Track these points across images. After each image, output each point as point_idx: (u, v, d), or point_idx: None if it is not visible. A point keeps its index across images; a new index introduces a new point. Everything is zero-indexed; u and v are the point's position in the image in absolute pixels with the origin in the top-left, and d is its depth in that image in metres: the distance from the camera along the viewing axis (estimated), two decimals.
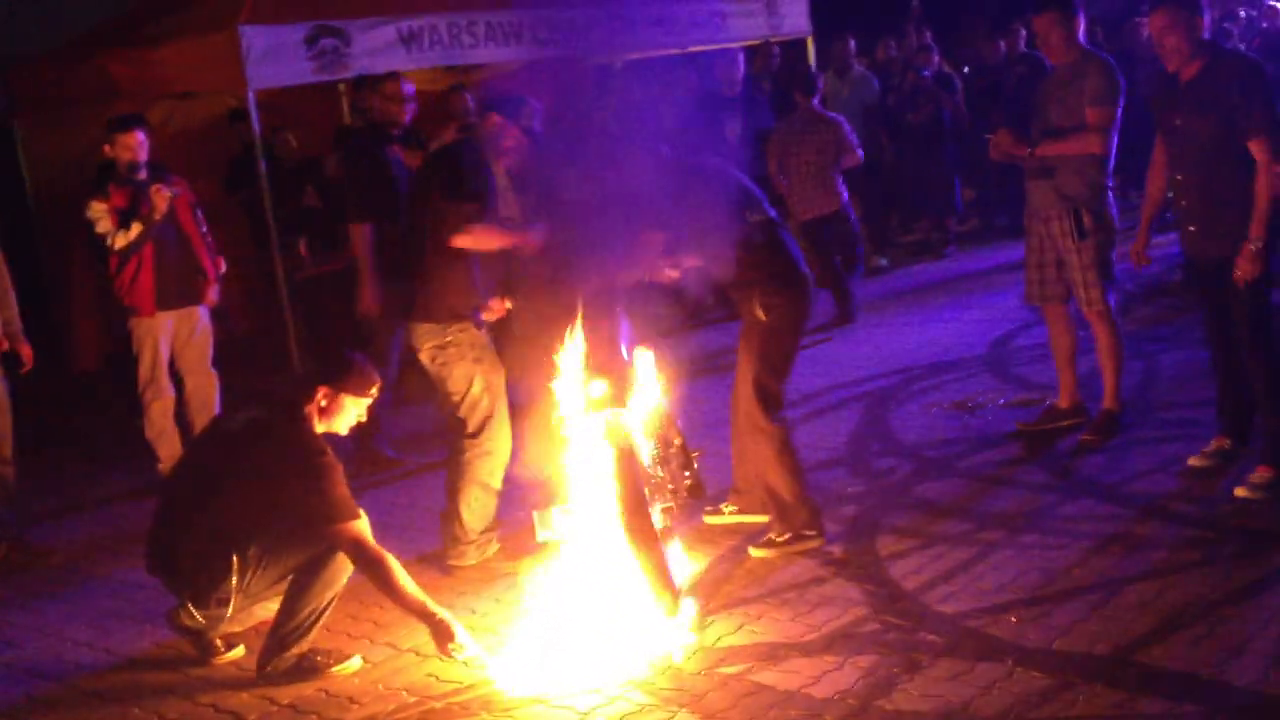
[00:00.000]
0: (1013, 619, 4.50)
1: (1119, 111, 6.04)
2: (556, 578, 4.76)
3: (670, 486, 5.00)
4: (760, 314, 5.25)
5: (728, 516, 5.68)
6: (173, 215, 7.20)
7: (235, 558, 4.58)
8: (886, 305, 9.85)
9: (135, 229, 7.05)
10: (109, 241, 7.09)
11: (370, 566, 4.52)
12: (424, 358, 5.42)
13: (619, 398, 4.82)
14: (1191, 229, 5.48)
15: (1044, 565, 4.92)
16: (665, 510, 4.97)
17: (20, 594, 5.92)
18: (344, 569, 4.65)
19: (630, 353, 5.02)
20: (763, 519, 5.48)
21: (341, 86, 10.33)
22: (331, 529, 4.51)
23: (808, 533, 5.32)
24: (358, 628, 5.04)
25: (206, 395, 7.43)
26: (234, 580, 4.60)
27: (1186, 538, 5.05)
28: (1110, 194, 6.17)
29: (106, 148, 7.19)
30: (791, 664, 4.37)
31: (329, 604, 4.69)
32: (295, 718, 4.43)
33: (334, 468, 4.58)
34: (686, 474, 5.10)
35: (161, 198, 7.07)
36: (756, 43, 11.74)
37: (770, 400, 5.30)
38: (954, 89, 12.28)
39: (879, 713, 4.01)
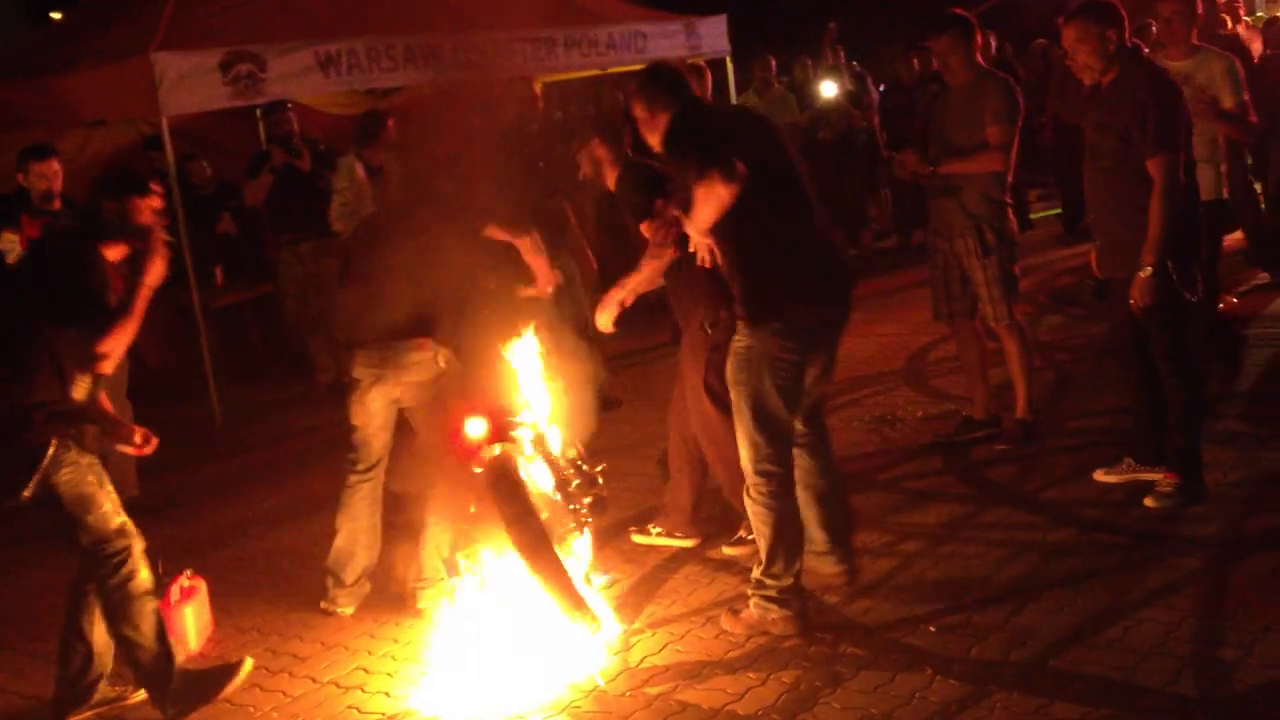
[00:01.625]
0: (931, 629, 4.56)
1: (1017, 129, 6.15)
2: (476, 605, 4.74)
3: (572, 507, 5.00)
4: (706, 331, 5.35)
5: (654, 538, 5.70)
6: None
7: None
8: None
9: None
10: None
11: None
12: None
13: (500, 433, 4.81)
14: (1099, 244, 5.58)
15: (962, 574, 4.99)
16: (567, 533, 4.96)
17: None
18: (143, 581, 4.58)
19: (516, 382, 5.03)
20: (688, 543, 5.60)
21: (258, 112, 10.26)
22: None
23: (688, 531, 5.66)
24: (277, 662, 5.00)
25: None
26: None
27: (1099, 544, 5.14)
28: (1010, 210, 6.26)
29: (20, 176, 7.08)
30: (715, 681, 4.40)
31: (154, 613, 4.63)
32: None
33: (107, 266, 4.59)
34: (589, 494, 5.08)
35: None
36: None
37: (724, 403, 5.10)
38: (867, 107, 12.45)
39: None
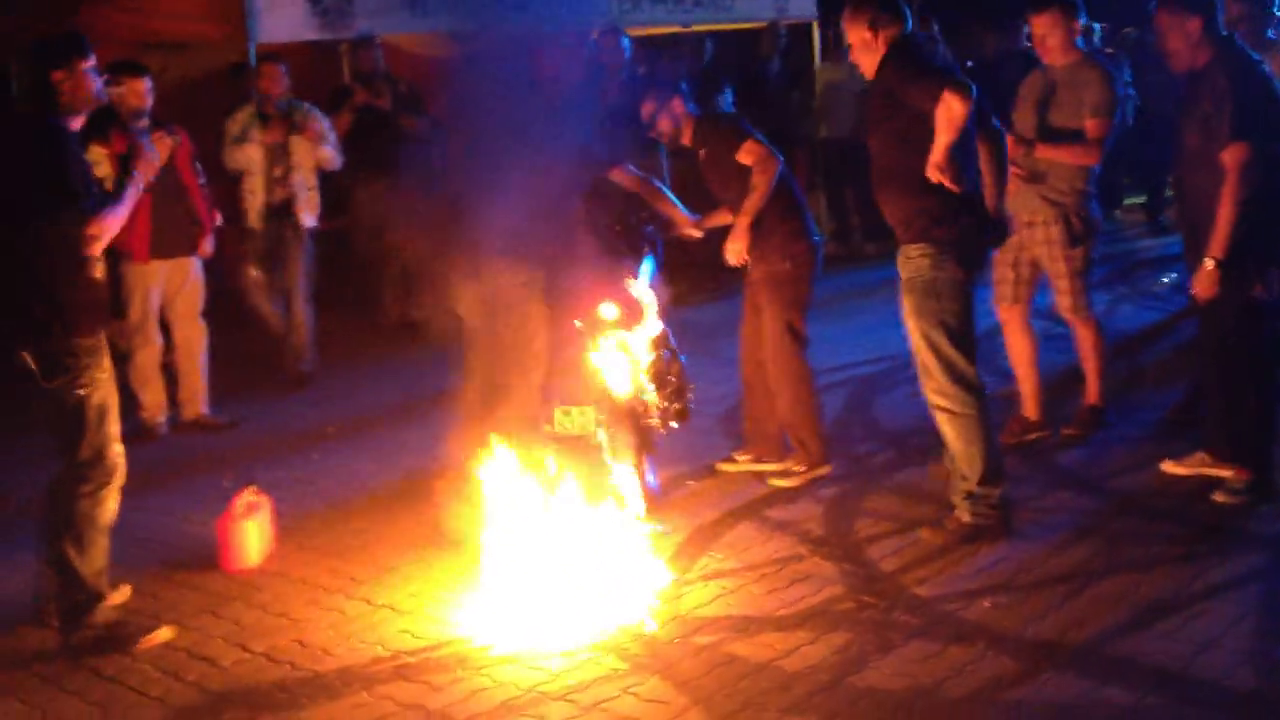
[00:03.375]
0: (986, 604, 4.53)
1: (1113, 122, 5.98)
2: (534, 540, 4.76)
3: (661, 405, 5.46)
4: (787, 264, 5.78)
5: (742, 465, 6.05)
6: (172, 165, 7.19)
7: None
8: (877, 291, 9.82)
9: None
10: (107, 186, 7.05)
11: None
12: None
13: (627, 321, 5.35)
14: (1185, 236, 5.48)
15: (1020, 554, 4.94)
16: (650, 427, 5.42)
17: None
18: (103, 505, 4.60)
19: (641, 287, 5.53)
20: (773, 467, 5.96)
21: (342, 47, 10.27)
22: (60, 211, 4.49)
23: (823, 466, 5.88)
24: (334, 582, 5.06)
25: (195, 346, 7.42)
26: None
27: (1163, 534, 5.08)
28: (1094, 200, 6.10)
29: (112, 91, 7.14)
30: (764, 637, 4.40)
31: (101, 551, 4.65)
32: (269, 666, 4.44)
33: (71, 149, 4.66)
34: (678, 401, 5.53)
35: (164, 145, 7.04)
36: (762, 25, 11.70)
37: (800, 341, 5.86)
38: None
39: (850, 689, 4.03)
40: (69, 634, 4.59)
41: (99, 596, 4.63)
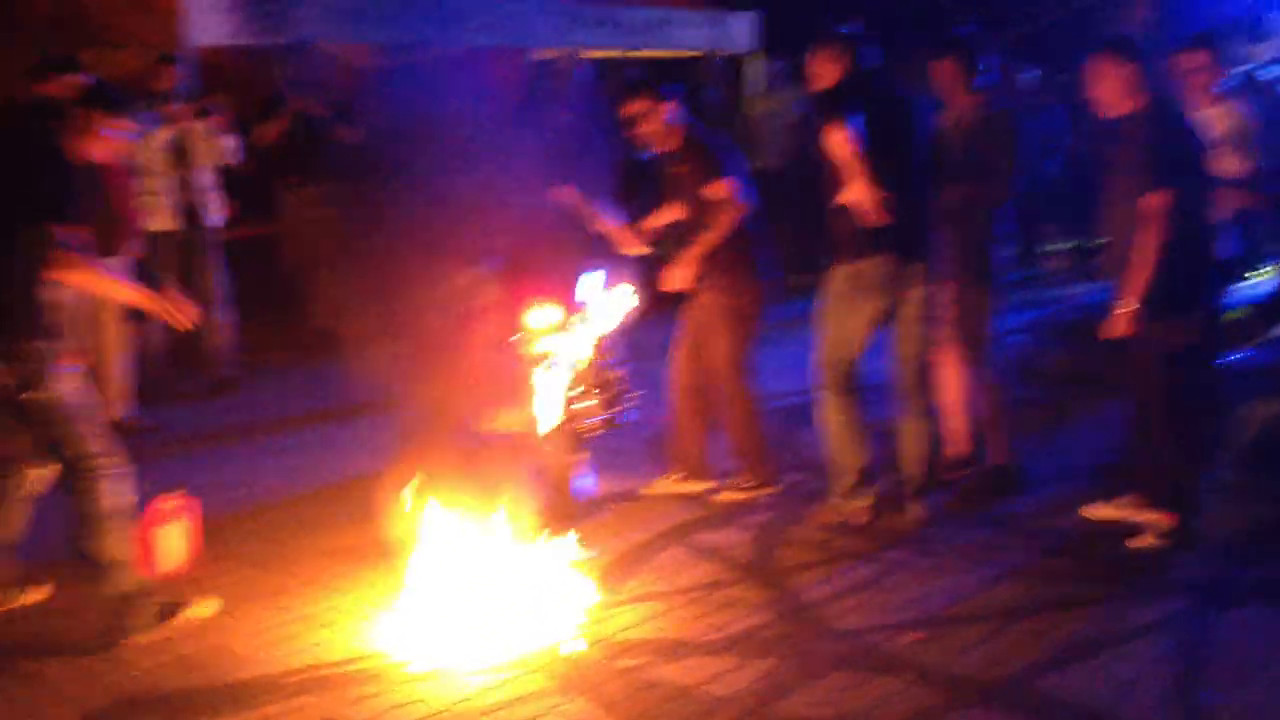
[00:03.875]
0: (911, 637, 4.53)
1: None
2: (461, 556, 4.69)
3: (594, 410, 5.54)
4: (742, 299, 5.94)
5: (669, 486, 6.13)
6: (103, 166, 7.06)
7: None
8: (804, 322, 9.87)
9: None
10: None
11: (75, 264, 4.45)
12: None
13: (561, 328, 5.41)
14: (1115, 278, 5.54)
15: (946, 589, 4.96)
16: (581, 430, 5.50)
17: None
18: (116, 495, 4.54)
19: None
20: (698, 487, 6.07)
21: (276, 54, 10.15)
22: (49, 224, 4.40)
23: (770, 484, 6.04)
24: (254, 591, 4.98)
25: (118, 349, 7.29)
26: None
27: (1088, 576, 5.12)
28: (990, 248, 5.92)
29: (44, 85, 6.99)
30: (691, 662, 4.36)
31: (126, 544, 4.59)
32: (184, 673, 4.34)
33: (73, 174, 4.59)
34: (612, 407, 5.59)
35: None
36: (700, 54, 11.77)
37: (746, 370, 6.01)
38: None
39: (773, 716, 4.01)
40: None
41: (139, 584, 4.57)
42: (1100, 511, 5.62)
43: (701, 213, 5.93)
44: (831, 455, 5.71)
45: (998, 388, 6.03)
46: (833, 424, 5.69)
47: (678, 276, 5.94)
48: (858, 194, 5.34)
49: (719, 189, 5.87)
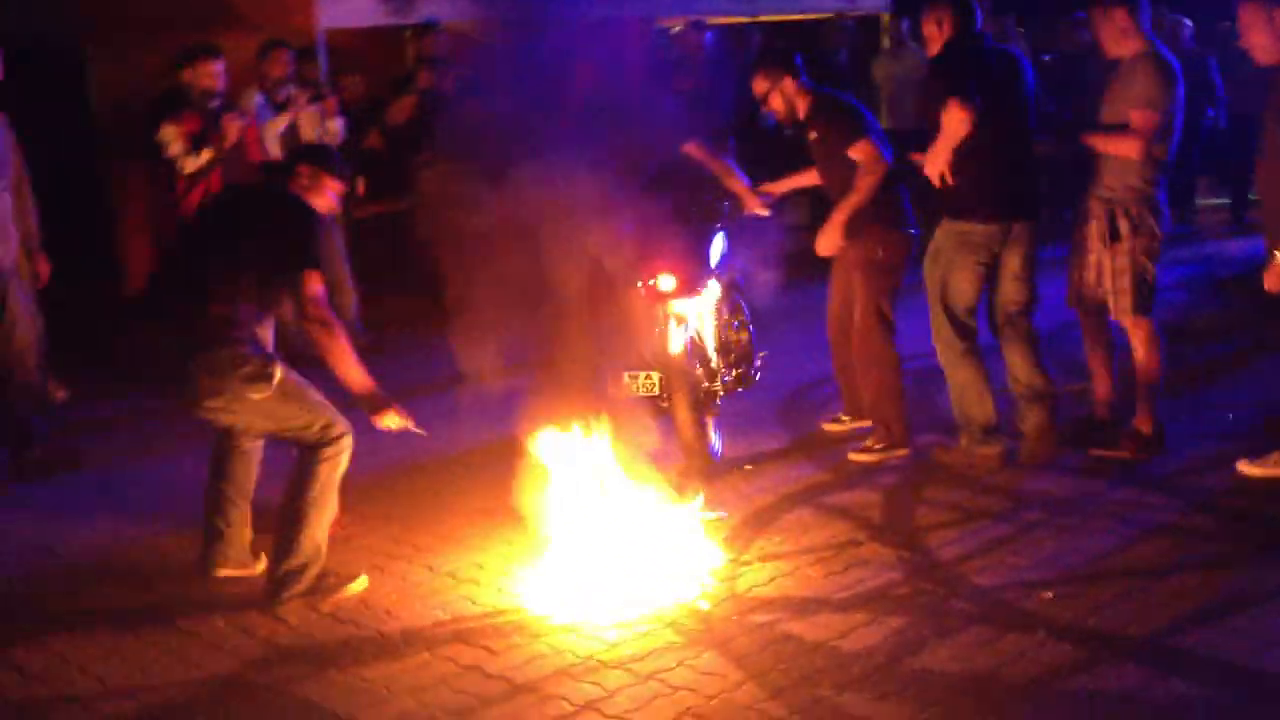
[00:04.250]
0: (1047, 595, 4.49)
1: (1167, 115, 5.63)
2: (597, 515, 4.79)
3: (723, 371, 5.85)
4: (881, 251, 5.96)
5: (848, 424, 6.36)
6: (240, 144, 7.33)
7: (278, 372, 4.62)
8: None
9: (206, 154, 7.24)
10: (179, 165, 7.21)
11: (324, 327, 4.61)
12: None
13: (690, 290, 5.68)
14: (1268, 234, 5.38)
15: (1083, 547, 4.90)
16: (710, 391, 5.78)
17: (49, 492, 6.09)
18: (330, 476, 4.68)
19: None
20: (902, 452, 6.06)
21: (407, 33, 10.34)
22: (304, 273, 4.58)
23: (901, 448, 6.00)
24: (398, 549, 5.12)
25: None
26: (270, 393, 4.61)
27: (1234, 533, 5.02)
28: (1157, 200, 5.75)
29: (186, 72, 7.28)
30: (821, 618, 4.39)
31: (326, 523, 4.73)
32: (335, 626, 4.52)
33: (320, 226, 4.83)
34: (739, 367, 5.86)
35: (234, 126, 7.19)
36: (830, 16, 11.64)
37: (888, 326, 6.07)
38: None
39: (905, 670, 4.02)
40: (279, 592, 4.66)
41: (318, 557, 4.72)
42: (1251, 469, 5.49)
43: (842, 176, 5.98)
44: (957, 407, 5.82)
45: (1156, 344, 5.88)
46: (954, 377, 5.81)
47: (826, 243, 6.01)
48: (933, 163, 5.59)
49: (859, 150, 5.90)
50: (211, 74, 7.30)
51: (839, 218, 5.95)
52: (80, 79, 10.54)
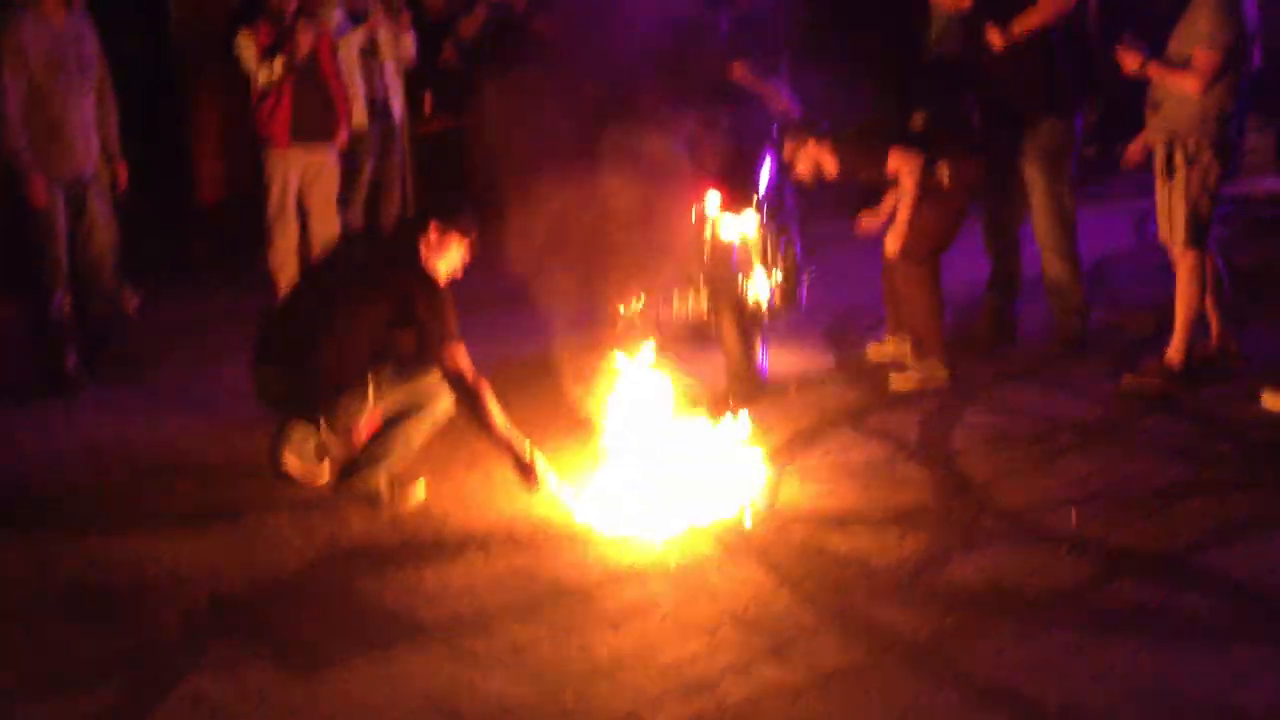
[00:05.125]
0: (1073, 514, 4.70)
1: (1229, 53, 5.65)
2: (647, 429, 5.04)
3: (771, 287, 6.06)
4: (944, 177, 6.08)
5: (891, 347, 6.49)
6: (314, 54, 7.49)
7: (370, 377, 4.89)
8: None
9: (279, 64, 7.33)
10: (253, 74, 7.38)
11: (467, 394, 4.82)
12: None
13: (737, 204, 5.91)
14: None
15: (1110, 471, 5.10)
16: (756, 310, 6.01)
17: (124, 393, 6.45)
18: (446, 407, 4.96)
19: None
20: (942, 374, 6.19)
21: None
22: (442, 350, 4.80)
23: (941, 372, 6.13)
24: (455, 454, 5.35)
25: (329, 235, 7.72)
26: (366, 400, 4.90)
27: (1252, 461, 5.20)
28: (1225, 134, 5.80)
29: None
30: (855, 532, 4.64)
31: (423, 438, 5.00)
32: (394, 529, 4.82)
33: (448, 294, 4.91)
34: (786, 283, 6.10)
35: (307, 36, 7.34)
36: None
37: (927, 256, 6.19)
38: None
39: (932, 582, 4.27)
40: (355, 473, 4.95)
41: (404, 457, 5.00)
42: (1275, 402, 5.63)
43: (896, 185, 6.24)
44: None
45: (1199, 278, 5.96)
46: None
47: (891, 243, 6.20)
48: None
49: (892, 163, 6.09)
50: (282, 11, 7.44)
51: (903, 217, 6.10)
52: None
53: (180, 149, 10.31)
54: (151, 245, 7.81)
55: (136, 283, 7.32)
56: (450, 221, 4.99)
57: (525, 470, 4.82)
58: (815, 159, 6.27)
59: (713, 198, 5.88)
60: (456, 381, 4.83)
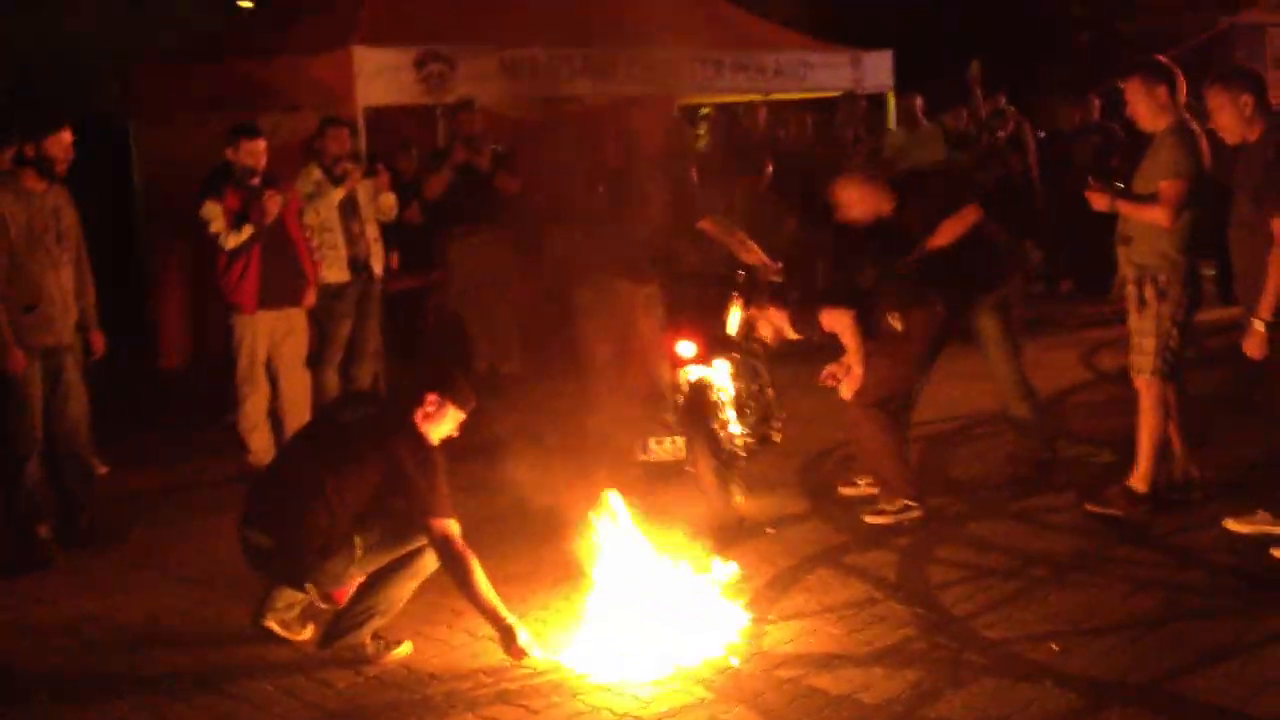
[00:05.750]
0: (1053, 646, 4.79)
1: (1191, 186, 5.85)
2: (629, 576, 5.09)
3: (744, 432, 6.32)
4: (895, 324, 6.28)
5: (863, 488, 6.62)
6: (280, 220, 7.65)
7: (358, 541, 4.93)
8: (954, 355, 10.07)
9: (247, 231, 7.48)
10: (221, 241, 7.51)
11: (454, 563, 4.87)
12: None
13: (709, 356, 6.18)
14: (1244, 302, 5.71)
15: (1086, 602, 5.20)
16: (732, 453, 6.21)
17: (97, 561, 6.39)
18: (431, 563, 5.00)
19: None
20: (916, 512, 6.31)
21: (439, 110, 10.75)
22: (429, 520, 4.86)
23: (915, 507, 6.26)
24: (437, 614, 5.37)
25: (300, 394, 7.83)
26: (354, 565, 4.94)
27: (1224, 587, 5.33)
28: (1192, 268, 5.99)
29: (229, 151, 7.61)
30: (843, 673, 4.69)
31: (408, 594, 5.04)
32: (380, 689, 4.80)
33: (441, 465, 4.97)
34: (760, 428, 6.33)
35: (274, 203, 7.52)
36: (837, 94, 12.07)
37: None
38: (1025, 152, 12.49)
39: (924, 718, 4.32)
40: (339, 634, 4.98)
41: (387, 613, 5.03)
42: (1239, 525, 5.78)
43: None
44: None
45: (1163, 409, 6.11)
46: None
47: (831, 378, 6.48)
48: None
49: (828, 323, 6.36)
50: (253, 152, 7.57)
51: (855, 372, 6.33)
52: (127, 155, 10.99)
53: (141, 314, 10.44)
54: (116, 412, 7.83)
55: (103, 450, 7.35)
56: (450, 393, 5.09)
57: (509, 642, 4.84)
58: (775, 323, 6.53)
59: (685, 346, 6.05)
60: (443, 548, 4.88)
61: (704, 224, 6.73)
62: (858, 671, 4.68)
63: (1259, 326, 5.39)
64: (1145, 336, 6.06)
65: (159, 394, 10.00)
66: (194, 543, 6.53)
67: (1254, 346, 5.43)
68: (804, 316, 6.42)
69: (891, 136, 12.08)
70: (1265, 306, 5.37)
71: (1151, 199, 5.94)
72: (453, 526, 4.88)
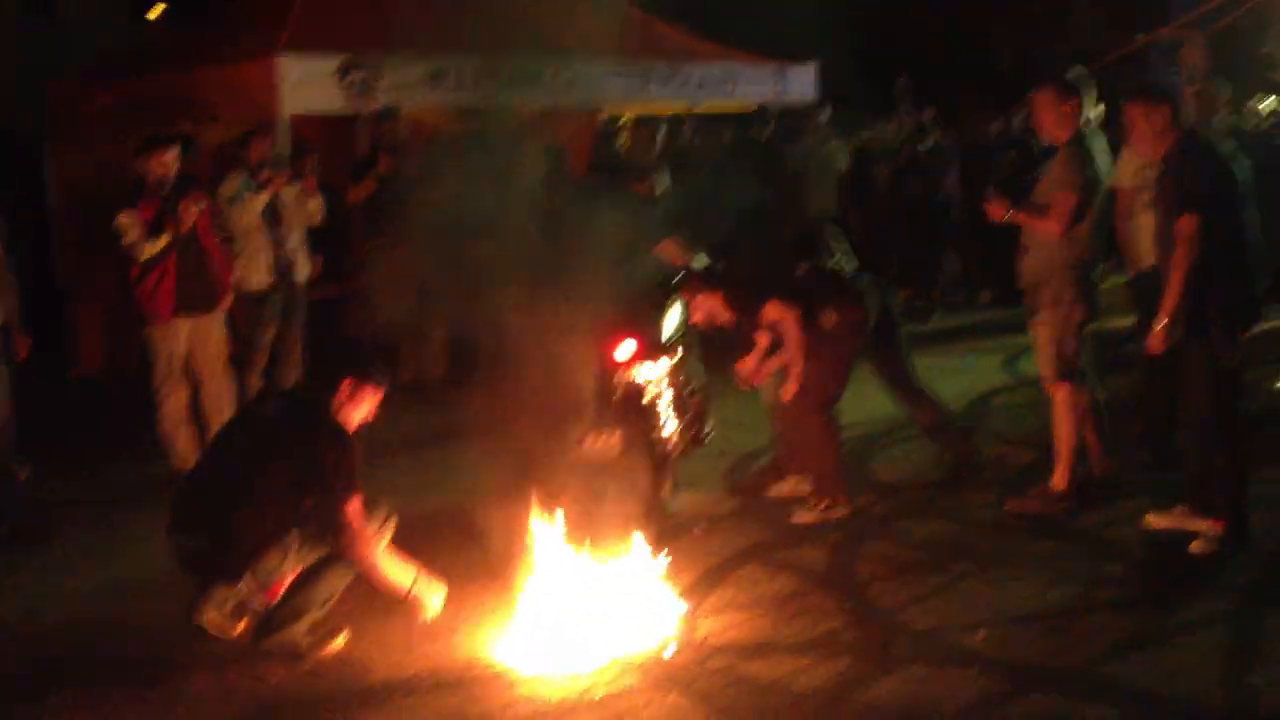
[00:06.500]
0: (978, 635, 4.91)
1: (1082, 197, 6.06)
2: (564, 569, 5.14)
3: (678, 433, 6.39)
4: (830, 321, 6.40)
5: (793, 488, 6.71)
6: (194, 228, 7.57)
7: (292, 535, 4.93)
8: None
9: (162, 240, 7.38)
10: (135, 252, 7.40)
11: (353, 540, 4.91)
12: None
13: (646, 358, 6.27)
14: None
15: (1009, 594, 5.33)
16: (666, 452, 6.35)
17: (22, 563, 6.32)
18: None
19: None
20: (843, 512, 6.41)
21: (362, 118, 10.70)
22: (343, 501, 4.87)
23: (842, 506, 6.38)
24: (374, 605, 5.29)
25: (222, 398, 7.74)
26: (287, 561, 4.93)
27: (1143, 579, 5.49)
28: (1085, 278, 6.19)
29: (140, 162, 7.50)
30: (774, 661, 4.78)
31: (342, 586, 5.04)
32: (315, 680, 4.80)
33: (356, 448, 5.00)
34: (692, 429, 6.40)
35: (190, 212, 7.43)
36: (757, 106, 12.22)
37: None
38: (949, 165, 12.74)
39: (854, 704, 4.44)
40: (273, 629, 4.95)
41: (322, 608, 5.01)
42: (1158, 521, 5.95)
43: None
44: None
45: (1073, 409, 6.32)
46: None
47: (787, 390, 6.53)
48: None
49: (770, 313, 6.45)
50: (165, 162, 7.46)
51: (796, 369, 6.42)
52: (39, 170, 10.85)
53: (55, 321, 10.28)
54: (32, 418, 7.72)
55: (23, 453, 7.24)
56: (364, 376, 5.11)
57: (412, 605, 5.00)
58: (709, 308, 6.57)
59: (623, 347, 6.11)
60: (343, 529, 4.89)
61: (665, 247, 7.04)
62: (788, 659, 4.77)
63: (1158, 325, 5.56)
64: (1044, 343, 6.29)
65: (75, 401, 9.87)
66: (119, 545, 6.46)
67: (1154, 343, 5.61)
68: (743, 299, 6.50)
69: (796, 148, 12.20)
70: (1165, 307, 5.55)
71: (1045, 210, 6.15)
72: (358, 507, 4.91)
